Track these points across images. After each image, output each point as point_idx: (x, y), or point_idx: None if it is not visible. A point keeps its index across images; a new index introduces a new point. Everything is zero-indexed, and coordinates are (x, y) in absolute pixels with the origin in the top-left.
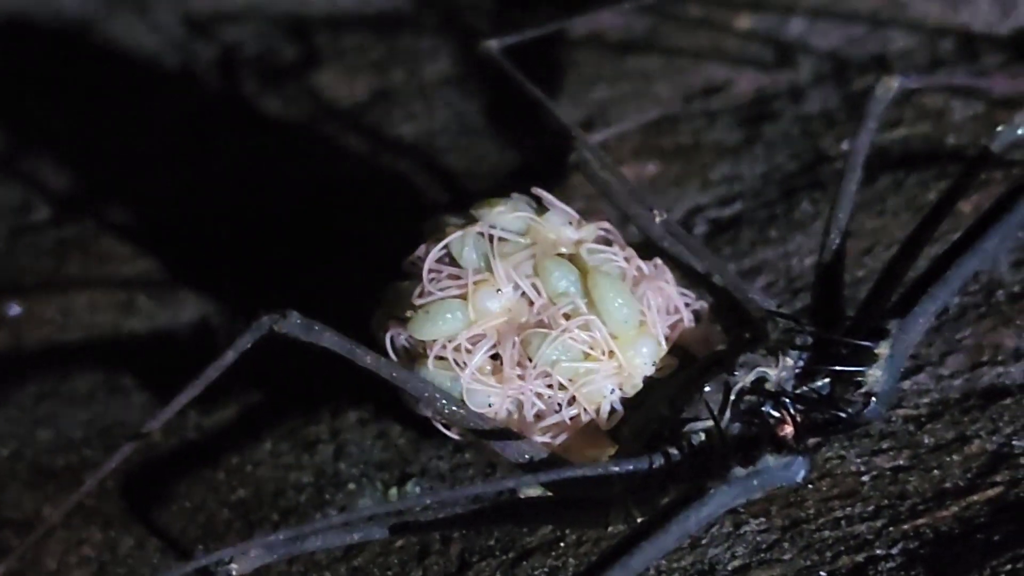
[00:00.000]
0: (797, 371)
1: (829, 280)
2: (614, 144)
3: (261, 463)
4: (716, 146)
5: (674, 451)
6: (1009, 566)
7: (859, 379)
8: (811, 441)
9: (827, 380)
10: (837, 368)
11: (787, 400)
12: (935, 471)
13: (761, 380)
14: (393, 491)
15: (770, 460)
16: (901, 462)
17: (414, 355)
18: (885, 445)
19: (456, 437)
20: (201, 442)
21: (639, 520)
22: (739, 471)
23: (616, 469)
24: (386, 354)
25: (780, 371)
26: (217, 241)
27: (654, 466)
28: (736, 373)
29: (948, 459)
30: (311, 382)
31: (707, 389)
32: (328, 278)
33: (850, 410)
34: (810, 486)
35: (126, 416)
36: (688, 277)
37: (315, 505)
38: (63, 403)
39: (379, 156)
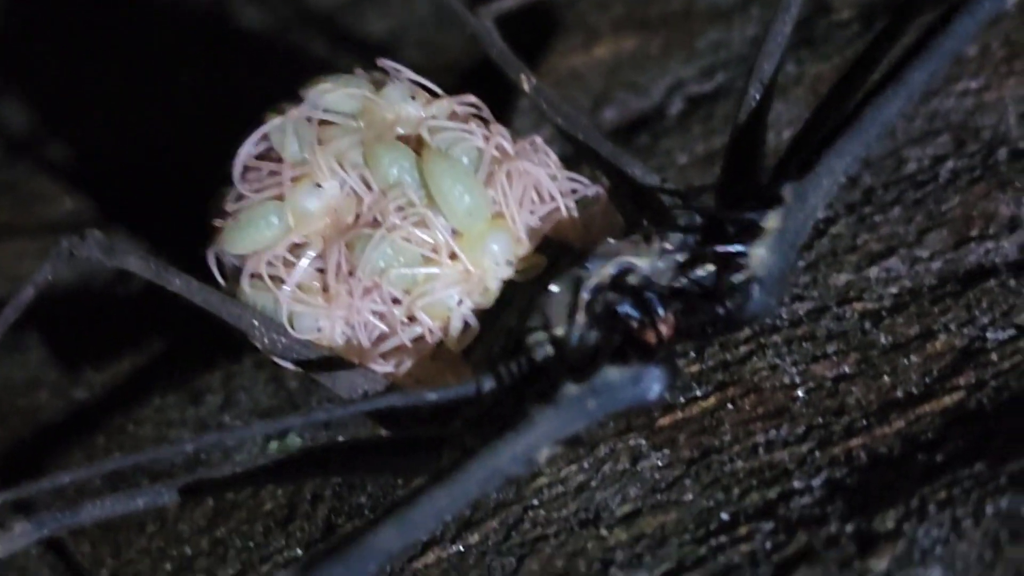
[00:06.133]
0: (681, 259)
1: (744, 146)
2: (594, 19)
3: (144, 421)
4: (709, 10)
5: (514, 370)
6: (944, 493)
7: (741, 261)
8: (681, 347)
9: (713, 268)
10: (715, 250)
11: (651, 296)
12: (885, 377)
13: (625, 273)
14: (273, 444)
15: (610, 373)
16: (846, 369)
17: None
18: (831, 348)
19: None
20: (89, 401)
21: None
22: (571, 389)
23: (434, 397)
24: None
25: (655, 260)
26: (151, 175)
27: (484, 390)
28: (588, 266)
29: (904, 361)
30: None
31: (554, 289)
32: None
33: (729, 303)
34: (730, 406)
35: (19, 375)
36: (589, 158)
37: (189, 466)
38: None
39: (339, 58)
